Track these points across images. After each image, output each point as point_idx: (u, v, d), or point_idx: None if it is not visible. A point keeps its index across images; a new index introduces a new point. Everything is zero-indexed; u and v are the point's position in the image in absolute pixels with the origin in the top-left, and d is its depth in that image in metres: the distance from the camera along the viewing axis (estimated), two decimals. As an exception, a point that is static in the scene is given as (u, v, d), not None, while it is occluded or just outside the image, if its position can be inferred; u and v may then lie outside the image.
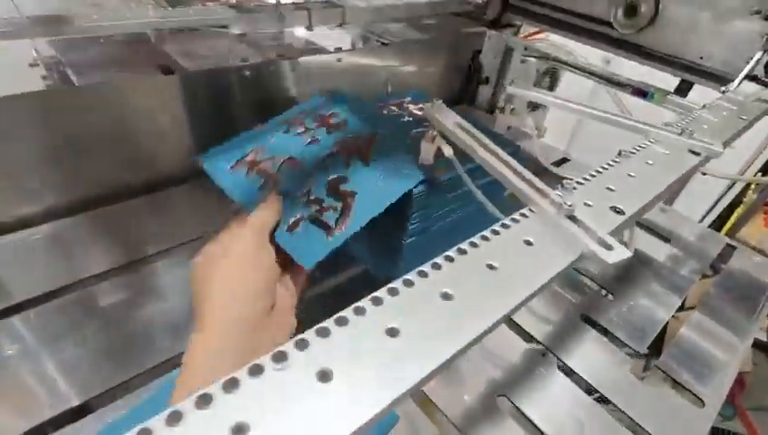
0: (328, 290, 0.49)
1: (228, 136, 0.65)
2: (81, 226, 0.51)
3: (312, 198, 0.38)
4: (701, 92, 0.61)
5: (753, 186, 1.18)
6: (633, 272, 0.56)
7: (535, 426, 0.38)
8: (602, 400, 0.41)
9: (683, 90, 0.64)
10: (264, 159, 0.42)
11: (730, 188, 1.17)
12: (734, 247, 0.61)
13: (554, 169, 0.74)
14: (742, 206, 1.19)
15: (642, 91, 0.66)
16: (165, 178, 0.59)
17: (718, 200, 1.20)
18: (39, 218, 0.50)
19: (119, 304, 0.44)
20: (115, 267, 0.47)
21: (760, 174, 1.07)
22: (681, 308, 0.52)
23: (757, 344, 1.39)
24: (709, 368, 0.45)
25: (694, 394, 0.42)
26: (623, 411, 0.40)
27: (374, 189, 0.38)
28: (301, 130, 0.45)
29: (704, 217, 1.23)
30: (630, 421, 0.39)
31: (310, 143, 0.43)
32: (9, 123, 0.46)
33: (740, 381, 1.35)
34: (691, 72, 0.61)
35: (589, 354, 0.45)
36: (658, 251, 0.60)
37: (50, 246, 0.49)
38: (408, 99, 0.55)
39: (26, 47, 0.63)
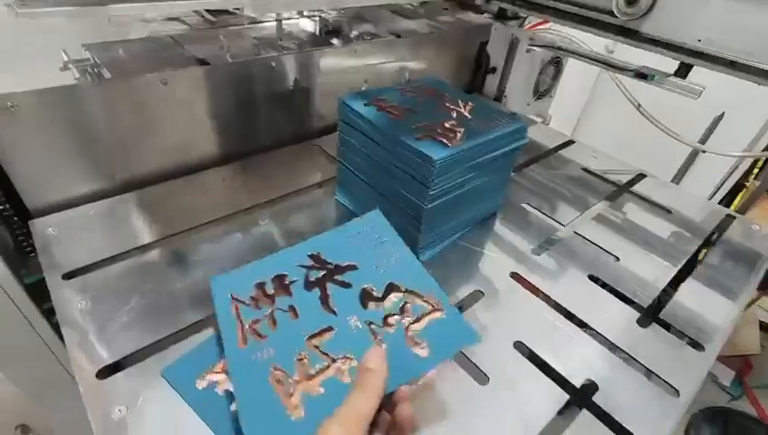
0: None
1: (252, 121, 0.70)
2: (131, 202, 0.57)
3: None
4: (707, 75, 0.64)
5: (755, 171, 1.21)
6: (637, 238, 0.60)
7: (548, 365, 0.42)
8: (610, 346, 0.45)
9: (682, 72, 0.68)
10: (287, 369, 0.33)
11: (734, 170, 1.20)
12: (733, 217, 0.65)
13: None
14: (744, 190, 1.23)
15: (643, 75, 0.70)
16: (198, 162, 0.64)
17: (723, 183, 1.23)
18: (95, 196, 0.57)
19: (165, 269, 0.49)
20: (160, 238, 0.52)
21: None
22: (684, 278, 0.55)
23: (764, 327, 1.41)
24: (708, 321, 0.48)
25: (695, 341, 0.46)
26: (630, 356, 0.43)
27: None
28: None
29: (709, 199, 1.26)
30: (637, 364, 0.43)
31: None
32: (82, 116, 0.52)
33: (747, 363, 1.37)
34: (689, 54, 0.65)
35: (596, 307, 0.49)
36: (662, 222, 0.64)
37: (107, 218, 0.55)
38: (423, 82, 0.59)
39: (55, 51, 0.66)
